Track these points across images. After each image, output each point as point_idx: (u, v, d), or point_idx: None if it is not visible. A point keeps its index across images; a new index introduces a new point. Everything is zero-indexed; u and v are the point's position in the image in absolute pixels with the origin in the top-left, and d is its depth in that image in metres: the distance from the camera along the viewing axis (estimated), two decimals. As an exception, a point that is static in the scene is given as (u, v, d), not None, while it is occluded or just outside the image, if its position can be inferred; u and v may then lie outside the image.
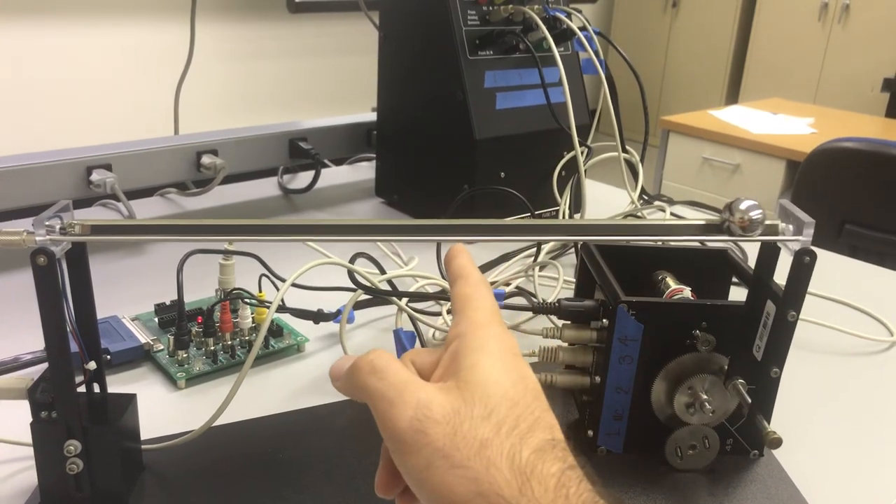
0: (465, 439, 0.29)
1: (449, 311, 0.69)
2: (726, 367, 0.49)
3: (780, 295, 0.44)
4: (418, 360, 0.35)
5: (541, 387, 0.33)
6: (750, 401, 0.46)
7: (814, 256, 0.43)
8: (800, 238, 0.43)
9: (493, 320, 0.35)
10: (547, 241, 0.83)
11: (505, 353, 0.33)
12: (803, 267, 0.43)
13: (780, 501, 0.49)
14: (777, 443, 0.43)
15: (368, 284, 0.66)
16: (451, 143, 0.89)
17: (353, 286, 0.65)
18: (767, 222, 0.44)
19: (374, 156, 1.04)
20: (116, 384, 0.58)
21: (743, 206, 0.41)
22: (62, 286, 0.40)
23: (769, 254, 0.46)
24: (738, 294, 0.60)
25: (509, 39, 0.88)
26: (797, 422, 0.56)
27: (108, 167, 0.85)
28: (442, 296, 0.70)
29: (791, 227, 0.43)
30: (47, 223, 0.41)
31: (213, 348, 0.61)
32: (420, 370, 0.34)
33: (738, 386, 0.47)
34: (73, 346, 0.43)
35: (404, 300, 0.68)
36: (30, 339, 0.58)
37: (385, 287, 0.69)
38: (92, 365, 0.45)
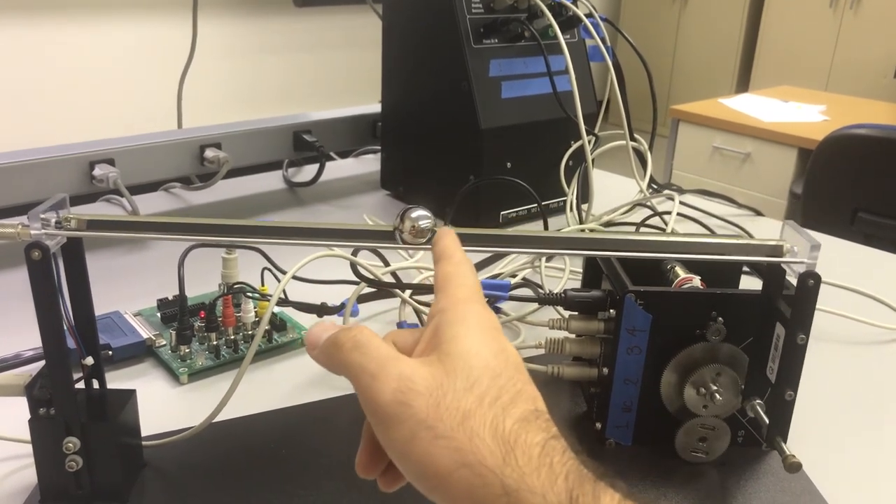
0: (449, 410, 0.29)
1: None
2: (737, 359, 0.48)
3: (787, 317, 0.43)
4: (400, 339, 0.35)
5: (522, 360, 0.33)
6: (768, 421, 0.46)
7: (818, 279, 0.42)
8: (804, 260, 0.42)
9: (473, 297, 0.35)
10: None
11: (486, 328, 0.33)
12: (808, 290, 0.42)
13: (793, 494, 0.48)
14: (796, 467, 0.43)
15: (372, 277, 0.65)
16: (457, 134, 0.88)
17: (356, 279, 0.64)
18: (772, 243, 0.43)
19: (380, 148, 1.03)
20: (118, 380, 0.58)
21: (414, 214, 0.40)
22: (58, 281, 0.40)
23: (775, 275, 0.45)
24: (748, 283, 0.59)
25: (514, 27, 0.87)
26: (810, 412, 0.55)
27: (111, 162, 0.84)
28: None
29: (796, 248, 0.42)
30: (42, 216, 0.40)
31: (215, 343, 0.61)
32: (402, 349, 0.34)
33: (757, 407, 0.47)
34: (72, 343, 0.42)
35: (408, 293, 0.67)
36: (33, 335, 0.57)
37: (389, 279, 0.68)
38: (90, 361, 0.44)
